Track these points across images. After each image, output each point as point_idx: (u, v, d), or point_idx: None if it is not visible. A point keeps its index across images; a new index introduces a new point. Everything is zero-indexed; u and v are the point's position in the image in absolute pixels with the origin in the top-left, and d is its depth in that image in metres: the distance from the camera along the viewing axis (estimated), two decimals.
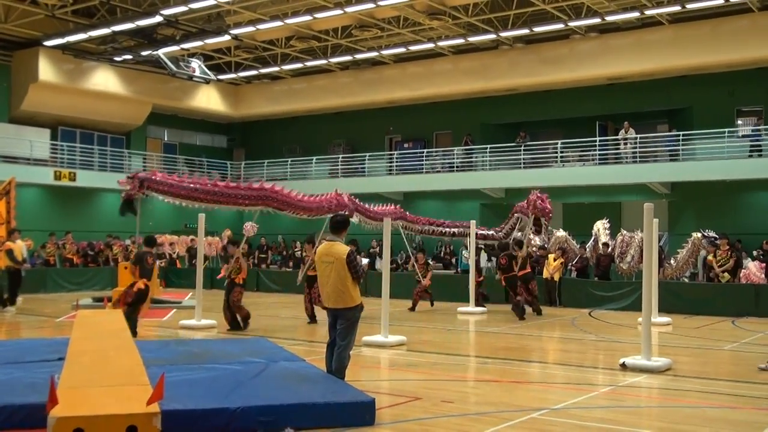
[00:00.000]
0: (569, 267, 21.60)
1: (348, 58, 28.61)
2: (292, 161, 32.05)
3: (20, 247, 18.70)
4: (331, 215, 8.48)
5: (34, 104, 27.61)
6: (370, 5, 22.59)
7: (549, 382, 9.44)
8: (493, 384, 9.12)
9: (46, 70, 27.12)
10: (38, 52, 26.80)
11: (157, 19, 23.45)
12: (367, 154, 30.53)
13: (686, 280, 20.09)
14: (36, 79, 27.00)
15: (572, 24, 24.09)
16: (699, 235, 19.43)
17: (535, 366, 10.72)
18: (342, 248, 7.96)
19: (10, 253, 17.48)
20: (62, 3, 23.35)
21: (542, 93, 27.97)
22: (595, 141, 25.80)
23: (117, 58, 27.79)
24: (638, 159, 24.83)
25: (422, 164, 29.01)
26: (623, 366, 10.12)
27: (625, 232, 20.38)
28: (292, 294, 23.24)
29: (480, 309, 18.34)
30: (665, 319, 15.96)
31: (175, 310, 17.41)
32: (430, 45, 26.75)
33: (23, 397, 6.64)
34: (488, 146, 27.55)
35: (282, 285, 24.30)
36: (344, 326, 8.04)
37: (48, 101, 27.88)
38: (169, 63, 26.54)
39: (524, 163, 26.58)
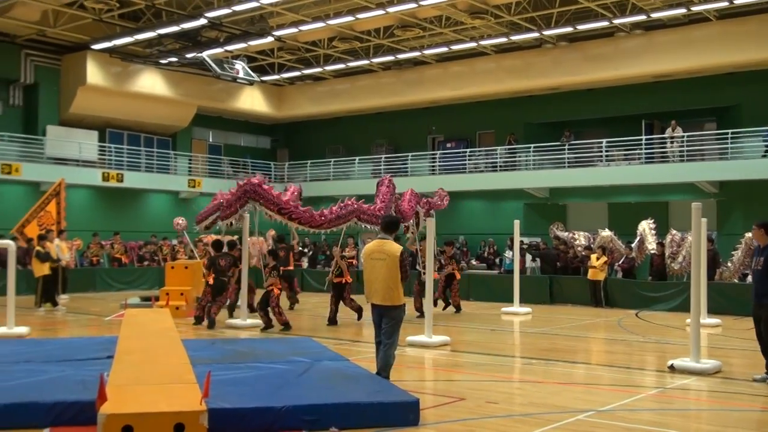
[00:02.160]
0: (615, 267, 21.34)
1: (390, 58, 28.62)
2: (335, 162, 32.16)
3: (54, 246, 19.09)
4: (385, 215, 8.65)
5: (82, 107, 28.11)
6: (412, 5, 22.55)
7: (595, 383, 9.33)
8: (538, 385, 9.04)
9: (94, 73, 27.59)
10: (86, 55, 27.28)
11: (202, 21, 23.71)
12: (410, 154, 30.50)
13: (736, 281, 19.71)
14: (84, 82, 27.49)
15: (617, 21, 23.78)
16: (750, 234, 19.03)
17: (580, 367, 10.61)
18: (395, 247, 8.14)
19: (39, 254, 17.82)
20: (109, 7, 23.73)
21: (587, 91, 27.67)
22: (641, 140, 25.44)
23: (162, 61, 28.17)
24: (685, 158, 24.42)
25: (465, 164, 28.88)
26: (671, 368, 9.97)
27: (674, 231, 20.05)
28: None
29: (450, 309, 17.87)
30: (715, 320, 15.67)
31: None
32: (473, 44, 26.62)
33: (74, 394, 6.77)
34: (532, 145, 27.34)
35: (326, 285, 24.38)
36: (390, 325, 8.09)
37: (96, 104, 28.37)
38: (214, 65, 26.81)
39: (568, 163, 26.32)
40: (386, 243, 8.17)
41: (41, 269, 17.89)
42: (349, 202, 16.40)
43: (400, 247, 8.17)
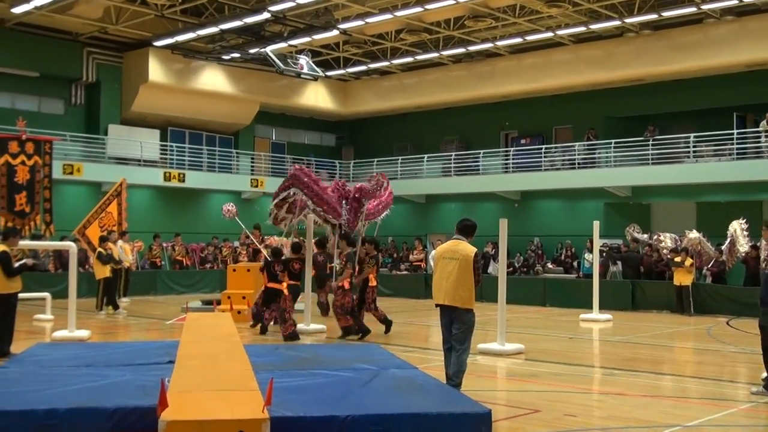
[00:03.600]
0: (704, 272, 20.83)
1: (461, 50, 28.50)
2: (402, 160, 32.20)
3: (116, 248, 19.55)
4: (463, 218, 8.63)
5: (144, 105, 28.79)
6: None
7: (681, 396, 9.12)
8: (619, 397, 8.88)
9: (155, 71, 28.23)
10: (148, 52, 27.93)
11: (265, 15, 24.01)
12: (482, 151, 30.33)
13: None
14: (146, 80, 28.15)
15: (705, 7, 23.18)
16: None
17: (665, 379, 10.39)
18: (469, 248, 8.20)
19: (101, 256, 18.27)
20: (171, 3, 24.24)
21: (672, 83, 27.06)
22: (732, 134, 24.76)
23: (225, 57, 28.64)
24: None
25: (540, 161, 28.58)
26: (767, 380, 9.66)
27: None
28: (404, 298, 23.38)
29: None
30: None
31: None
32: (549, 34, 26.31)
33: (134, 399, 6.91)
34: (613, 141, 26.89)
35: (393, 289, 24.46)
36: (461, 330, 8.12)
37: (158, 102, 29.02)
38: (277, 60, 27.13)
39: (652, 159, 25.79)
40: (461, 243, 8.25)
41: (102, 271, 18.37)
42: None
43: (474, 249, 8.20)
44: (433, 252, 24.84)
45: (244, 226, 19.17)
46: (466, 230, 8.48)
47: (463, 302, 8.08)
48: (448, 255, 8.15)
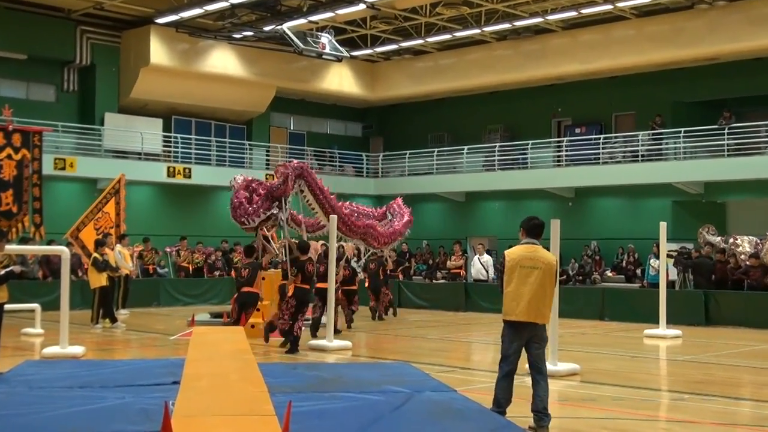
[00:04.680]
0: None
1: (506, 26, 28.41)
2: (438, 152, 32.17)
3: (114, 253, 19.71)
4: (530, 216, 8.49)
5: (145, 91, 29.01)
6: None
7: (760, 425, 9.03)
8: (689, 426, 8.83)
9: (158, 52, 28.45)
10: (149, 31, 28.13)
11: None
12: (530, 141, 30.21)
13: None
14: (147, 62, 28.37)
15: None
16: None
17: (744, 404, 10.30)
18: (549, 254, 8.16)
19: (96, 262, 18.37)
20: None
21: (751, 62, 26.78)
22: None
23: (236, 36, 28.75)
24: None
25: (598, 153, 28.42)
26: None
27: None
28: (441, 311, 23.36)
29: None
30: None
31: (303, 328, 17.79)
32: (608, 7, 26.15)
33: (135, 425, 6.99)
34: (682, 130, 26.67)
35: (428, 300, 24.45)
36: (542, 349, 8.11)
37: (160, 87, 29.23)
38: (296, 39, 27.19)
39: (728, 151, 25.55)
40: (539, 249, 8.19)
41: (98, 280, 18.52)
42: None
43: (554, 256, 8.18)
44: (476, 258, 24.85)
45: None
46: (537, 230, 8.34)
47: (544, 318, 8.10)
48: (528, 263, 8.02)
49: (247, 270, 15.45)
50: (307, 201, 17.84)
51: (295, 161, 17.85)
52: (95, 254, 18.61)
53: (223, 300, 24.66)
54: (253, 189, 17.40)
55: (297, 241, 16.01)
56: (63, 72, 28.89)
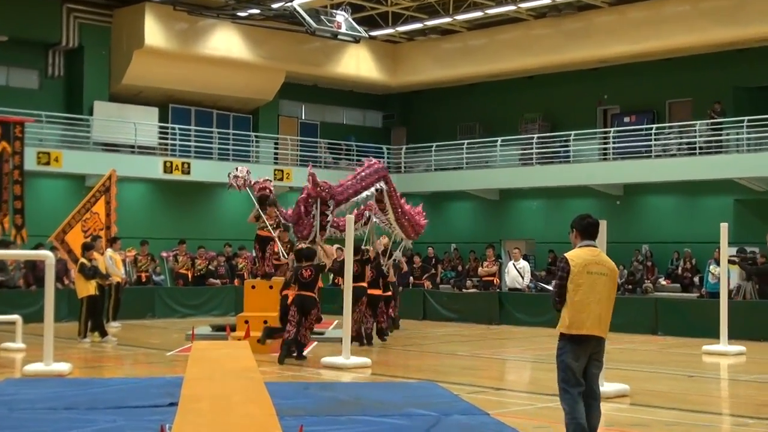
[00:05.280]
0: None
1: (545, 1, 28.33)
2: (469, 144, 32.10)
3: (105, 258, 19.75)
4: (582, 215, 8.33)
5: (138, 76, 29.09)
6: None
7: None
8: None
9: (153, 33, 28.52)
10: (143, 9, 28.22)
11: None
12: (572, 132, 30.10)
13: None
14: (141, 44, 28.45)
15: None
16: None
17: None
18: (609, 260, 8.03)
19: (84, 268, 18.34)
20: None
21: None
22: None
23: (241, 14, 28.80)
24: None
25: (650, 145, 28.28)
26: None
27: None
28: (471, 324, 23.29)
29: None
30: None
31: (315, 343, 17.81)
32: None
33: None
34: (745, 119, 26.53)
35: (457, 312, 24.36)
36: (600, 369, 8.01)
37: (156, 72, 29.27)
38: (308, 17, 27.20)
39: None
40: (601, 252, 8.07)
41: (86, 288, 18.53)
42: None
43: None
44: (511, 263, 24.84)
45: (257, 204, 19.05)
46: (592, 231, 8.19)
47: (607, 330, 8.00)
48: (595, 269, 7.87)
49: (309, 271, 15.49)
50: (384, 210, 18.90)
51: (374, 160, 18.89)
52: (83, 259, 18.63)
53: (226, 311, 24.69)
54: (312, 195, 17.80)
55: (302, 246, 16.41)
56: (47, 55, 28.97)
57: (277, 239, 18.36)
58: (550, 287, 8.37)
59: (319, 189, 17.37)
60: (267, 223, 18.32)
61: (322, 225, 17.51)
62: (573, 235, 8.18)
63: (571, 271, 7.73)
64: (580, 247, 8.00)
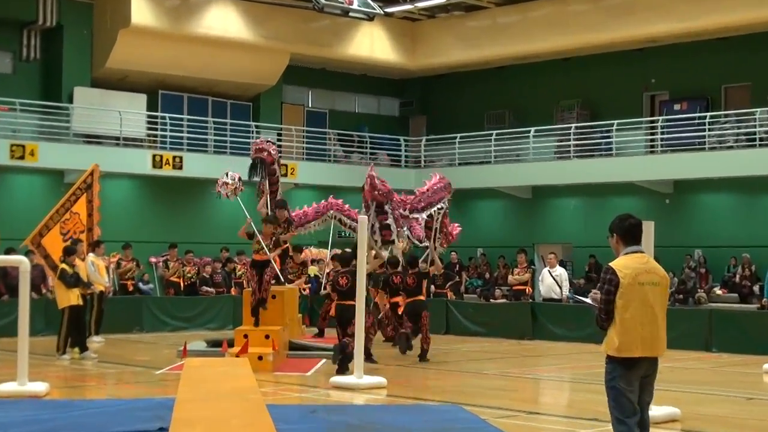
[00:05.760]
0: None
1: None
2: (497, 135, 32.05)
3: (87, 264, 19.75)
4: (621, 215, 7.99)
5: (124, 59, 29.11)
6: None
7: None
8: None
9: (140, 10, 28.54)
10: None
11: None
12: (615, 121, 30.02)
13: None
14: (127, 23, 28.47)
15: None
16: None
17: None
18: (659, 266, 7.78)
19: (65, 276, 18.29)
20: None
21: None
22: None
23: None
24: None
25: (704, 136, 28.22)
26: None
27: None
28: (500, 338, 23.24)
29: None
30: None
31: (324, 360, 17.80)
32: None
33: None
34: None
35: (485, 325, 24.28)
36: (652, 393, 7.84)
37: (144, 54, 29.27)
38: None
39: None
40: (649, 258, 7.86)
41: (67, 298, 18.51)
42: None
43: None
44: (545, 271, 24.82)
45: (246, 211, 18.91)
46: (636, 233, 7.86)
47: (664, 348, 7.78)
48: (646, 278, 7.65)
49: (345, 278, 16.11)
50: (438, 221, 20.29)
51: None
52: (63, 265, 18.61)
53: (222, 324, 24.65)
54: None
55: (338, 251, 17.58)
56: (22, 35, 29.02)
57: (273, 261, 17.64)
58: (587, 300, 7.89)
59: (377, 192, 18.28)
60: (263, 244, 17.53)
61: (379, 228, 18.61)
62: (614, 241, 7.89)
63: (620, 284, 7.44)
64: (627, 254, 7.71)
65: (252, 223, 18.27)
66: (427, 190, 20.12)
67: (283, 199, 19.68)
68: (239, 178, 18.87)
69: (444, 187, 20.48)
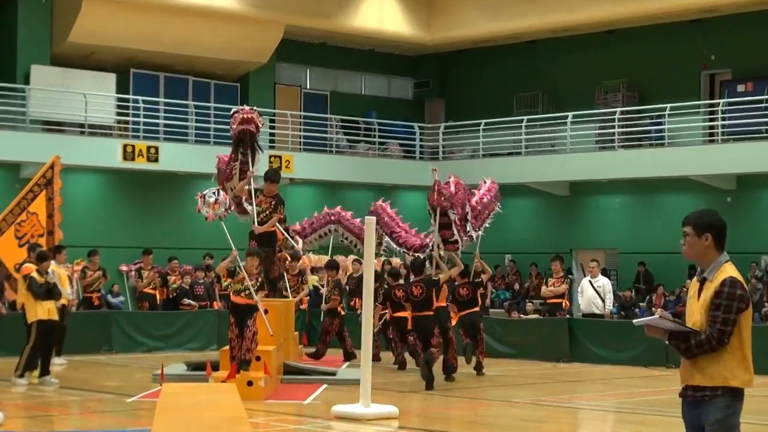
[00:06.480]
0: None
1: None
2: (529, 122, 32.05)
3: (57, 271, 19.76)
4: (706, 211, 7.43)
5: (89, 33, 29.09)
6: None
7: None
8: None
9: None
10: None
11: None
12: (668, 105, 30.00)
13: None
14: None
15: None
16: None
17: None
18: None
19: (34, 285, 18.17)
20: None
21: None
22: None
23: None
24: None
25: None
26: None
27: None
28: (533, 360, 23.26)
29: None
30: None
31: (325, 386, 17.86)
32: None
33: None
34: None
35: (514, 344, 24.25)
36: None
37: (112, 27, 29.28)
38: None
39: None
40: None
41: (34, 311, 18.31)
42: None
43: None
44: (586, 281, 24.88)
45: (231, 240, 18.60)
46: (719, 225, 7.54)
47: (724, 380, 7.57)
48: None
49: (420, 287, 17.04)
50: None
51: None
52: (34, 273, 18.46)
53: (206, 344, 24.67)
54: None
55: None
56: None
57: (261, 309, 17.07)
58: (685, 326, 7.20)
59: (442, 199, 18.94)
60: (248, 283, 16.83)
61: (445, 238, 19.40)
62: (707, 243, 7.17)
63: (747, 300, 7.01)
64: (730, 263, 7.22)
65: (237, 257, 17.52)
66: (477, 203, 20.30)
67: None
68: (229, 202, 18.61)
69: (494, 197, 21.13)
